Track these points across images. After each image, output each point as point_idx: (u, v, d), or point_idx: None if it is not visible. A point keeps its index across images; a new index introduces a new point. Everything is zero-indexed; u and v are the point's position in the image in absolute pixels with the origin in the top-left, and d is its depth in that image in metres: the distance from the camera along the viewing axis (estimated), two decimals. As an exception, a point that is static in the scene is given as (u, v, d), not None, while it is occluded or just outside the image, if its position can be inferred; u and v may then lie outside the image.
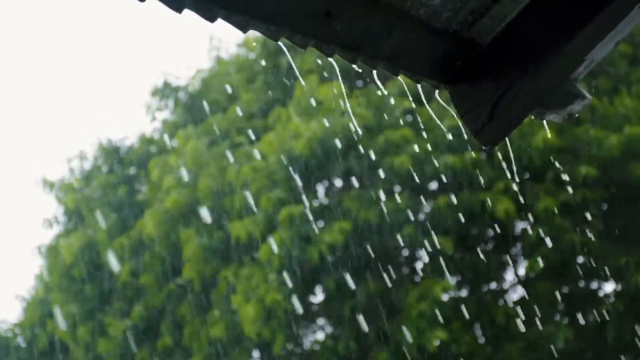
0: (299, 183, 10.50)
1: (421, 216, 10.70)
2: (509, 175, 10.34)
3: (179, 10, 1.55)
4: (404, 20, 1.93)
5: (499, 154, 10.43)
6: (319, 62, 10.70)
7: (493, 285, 11.41)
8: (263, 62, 12.77)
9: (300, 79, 11.52)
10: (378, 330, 10.42)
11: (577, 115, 2.42)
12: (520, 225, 11.10)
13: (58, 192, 14.27)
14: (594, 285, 11.30)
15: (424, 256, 10.76)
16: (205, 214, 11.27)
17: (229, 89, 12.91)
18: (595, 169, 10.18)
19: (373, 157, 10.41)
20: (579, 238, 10.12)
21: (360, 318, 10.39)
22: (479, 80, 2.12)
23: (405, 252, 11.04)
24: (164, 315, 12.14)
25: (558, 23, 2.09)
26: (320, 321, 11.72)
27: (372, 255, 10.06)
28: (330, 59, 1.91)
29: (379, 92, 10.70)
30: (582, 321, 10.68)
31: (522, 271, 11.28)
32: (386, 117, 10.63)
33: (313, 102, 10.86)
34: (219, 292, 11.13)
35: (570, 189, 10.19)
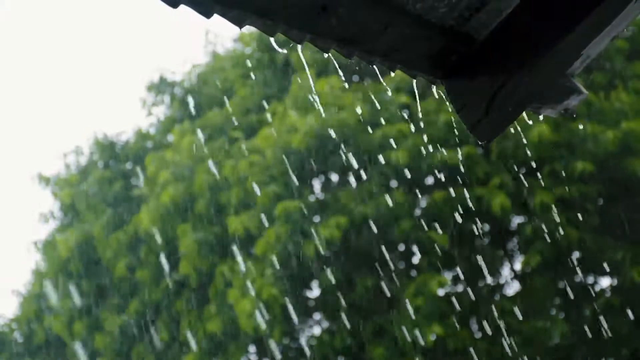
0: (296, 178, 10.51)
1: (417, 211, 10.71)
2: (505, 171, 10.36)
3: (174, 5, 1.55)
4: (400, 15, 1.93)
5: (495, 149, 10.47)
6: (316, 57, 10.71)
7: (489, 280, 11.42)
8: (259, 57, 12.77)
9: (299, 73, 11.50)
10: (374, 325, 10.43)
11: (573, 110, 2.43)
12: (516, 220, 11.12)
13: (54, 187, 14.26)
14: (590, 279, 11.32)
15: (420, 251, 10.78)
16: (201, 208, 11.28)
17: (225, 84, 12.91)
18: (592, 164, 10.19)
19: (369, 152, 10.42)
20: (575, 233, 10.14)
21: (357, 313, 10.40)
22: (475, 75, 2.12)
23: (402, 247, 11.04)
24: (160, 310, 12.14)
25: (554, 18, 2.09)
26: (317, 316, 11.73)
27: (369, 250, 10.07)
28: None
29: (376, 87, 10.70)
30: (577, 316, 10.70)
31: (518, 266, 11.30)
32: (383, 112, 10.63)
33: (310, 97, 10.86)
34: (215, 287, 11.13)
35: (566, 184, 10.21)
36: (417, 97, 10.85)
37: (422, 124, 10.71)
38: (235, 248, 10.89)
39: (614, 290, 10.85)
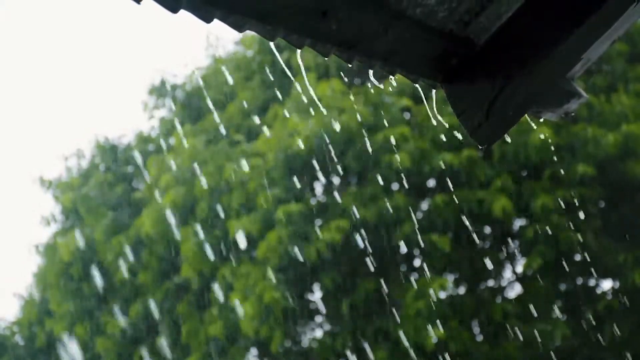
0: (297, 181, 10.51)
1: (419, 214, 10.72)
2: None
3: (174, 10, 1.55)
4: (400, 20, 1.93)
5: (497, 152, 10.47)
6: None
7: (491, 282, 11.42)
8: (260, 60, 12.78)
9: (304, 73, 11.47)
10: (376, 328, 10.43)
11: (573, 113, 2.43)
12: (517, 223, 11.11)
13: (55, 190, 14.26)
14: (591, 282, 11.32)
15: (421, 254, 10.78)
16: (202, 212, 11.28)
17: (226, 87, 12.91)
18: (593, 167, 10.20)
19: (371, 154, 10.42)
20: (577, 236, 10.14)
21: (358, 316, 10.40)
22: (475, 79, 2.13)
23: (403, 250, 11.04)
24: (162, 313, 12.14)
25: (554, 22, 2.09)
26: (319, 319, 11.73)
27: (370, 253, 10.06)
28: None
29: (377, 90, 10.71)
30: (579, 318, 10.70)
31: (519, 268, 11.30)
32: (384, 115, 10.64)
33: (311, 100, 10.86)
34: (216, 290, 11.13)
35: (567, 187, 10.21)
36: (423, 99, 10.85)
37: (422, 127, 10.71)
38: (236, 251, 10.90)
39: (616, 292, 10.85)
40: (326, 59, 1.93)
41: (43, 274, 13.91)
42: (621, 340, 10.20)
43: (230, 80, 12.93)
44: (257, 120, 11.82)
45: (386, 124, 10.43)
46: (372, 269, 9.98)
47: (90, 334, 12.73)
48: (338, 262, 10.45)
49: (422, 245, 10.30)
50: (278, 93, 11.98)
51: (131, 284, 12.41)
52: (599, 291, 11.25)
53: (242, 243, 10.53)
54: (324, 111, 10.67)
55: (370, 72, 2.01)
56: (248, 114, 12.32)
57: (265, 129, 11.28)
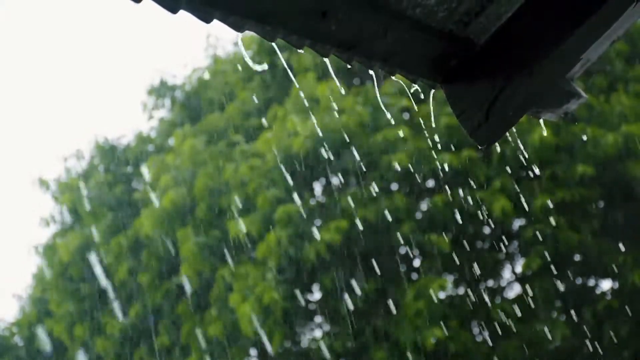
0: (296, 182, 10.51)
1: (418, 214, 10.71)
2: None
3: (174, 11, 1.55)
4: (399, 20, 1.93)
5: (496, 153, 10.46)
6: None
7: (490, 282, 11.42)
8: (259, 60, 12.76)
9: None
10: (375, 328, 10.42)
11: (573, 114, 2.42)
12: (517, 223, 11.11)
13: (55, 191, 14.26)
14: (591, 282, 11.31)
15: (420, 254, 10.77)
16: (202, 212, 11.27)
17: (226, 88, 12.91)
18: (592, 167, 10.19)
19: (370, 155, 10.42)
20: (576, 236, 10.13)
21: (358, 316, 10.39)
22: (475, 79, 2.12)
23: (403, 250, 11.04)
24: (161, 314, 12.14)
25: (554, 22, 2.09)
26: (318, 319, 11.72)
27: (369, 253, 10.06)
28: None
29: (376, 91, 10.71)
30: (578, 319, 10.70)
31: (519, 269, 11.29)
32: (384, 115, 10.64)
33: (310, 100, 10.87)
34: (216, 290, 11.13)
35: (567, 188, 10.20)
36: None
37: (422, 127, 10.71)
38: (236, 252, 10.89)
39: (615, 293, 10.85)
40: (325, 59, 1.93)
41: (42, 274, 13.91)
42: (620, 340, 10.20)
43: (230, 81, 12.93)
44: (256, 121, 11.82)
45: (392, 123, 10.44)
46: (371, 269, 9.98)
47: (90, 334, 12.72)
48: (338, 262, 10.44)
49: (422, 245, 10.30)
50: (277, 94, 11.98)
51: (131, 284, 12.40)
52: (598, 291, 11.25)
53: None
54: (324, 112, 10.67)
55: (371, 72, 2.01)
56: (248, 114, 12.32)
57: (265, 127, 11.29)
